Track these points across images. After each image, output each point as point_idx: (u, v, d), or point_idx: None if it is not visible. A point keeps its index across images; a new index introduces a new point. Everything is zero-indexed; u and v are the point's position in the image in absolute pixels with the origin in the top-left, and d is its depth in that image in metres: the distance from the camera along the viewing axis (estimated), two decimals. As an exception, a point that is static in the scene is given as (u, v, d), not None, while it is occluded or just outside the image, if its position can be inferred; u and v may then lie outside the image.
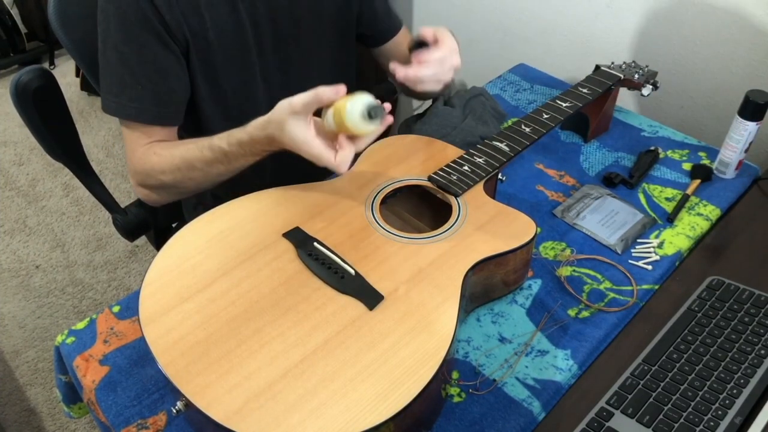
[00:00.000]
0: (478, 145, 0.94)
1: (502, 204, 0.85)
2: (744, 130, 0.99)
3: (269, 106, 0.81)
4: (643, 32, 1.31)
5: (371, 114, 0.74)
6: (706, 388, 0.71)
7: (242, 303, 0.71)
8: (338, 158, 0.78)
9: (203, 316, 0.69)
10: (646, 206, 1.01)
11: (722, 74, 1.23)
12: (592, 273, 0.90)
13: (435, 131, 1.10)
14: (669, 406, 0.69)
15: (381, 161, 0.93)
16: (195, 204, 1.19)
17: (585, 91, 1.06)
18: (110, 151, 2.50)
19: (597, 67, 1.14)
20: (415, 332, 0.67)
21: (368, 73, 1.66)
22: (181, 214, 1.26)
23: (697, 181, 1.03)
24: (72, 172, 1.19)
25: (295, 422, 0.59)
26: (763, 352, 0.73)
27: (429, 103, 1.23)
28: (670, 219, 0.98)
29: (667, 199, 1.02)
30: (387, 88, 1.40)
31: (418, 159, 0.93)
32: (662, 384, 0.72)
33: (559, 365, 0.78)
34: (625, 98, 1.34)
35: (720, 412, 0.68)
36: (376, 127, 0.77)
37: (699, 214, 0.99)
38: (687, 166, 1.08)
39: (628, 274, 0.89)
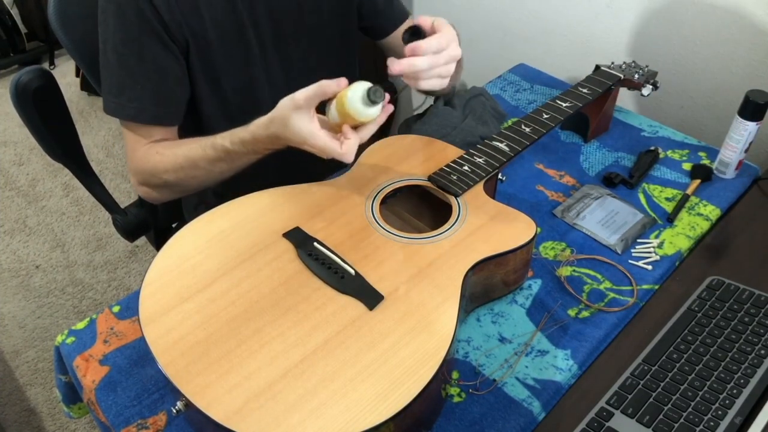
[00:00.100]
0: (478, 145, 0.94)
1: (502, 204, 0.85)
2: (744, 130, 0.99)
3: (271, 105, 0.80)
4: (643, 32, 1.31)
5: (371, 97, 0.74)
6: (706, 388, 0.71)
7: (242, 303, 0.71)
8: (344, 147, 0.77)
9: (203, 316, 0.69)
10: (646, 206, 1.01)
11: (722, 74, 1.23)
12: (592, 273, 0.90)
13: (435, 131, 1.10)
14: (669, 406, 0.69)
15: (381, 161, 0.93)
16: (196, 204, 1.19)
17: (585, 91, 1.06)
18: (110, 151, 2.50)
19: (597, 67, 1.14)
20: (415, 332, 0.67)
21: (369, 73, 1.66)
22: (182, 214, 1.26)
23: (697, 181, 1.03)
24: (72, 172, 1.18)
25: (295, 422, 0.59)
26: (763, 352, 0.73)
27: (429, 103, 1.23)
28: (670, 219, 0.98)
29: (667, 199, 1.02)
30: (387, 88, 1.40)
31: (418, 159, 0.93)
32: (662, 384, 0.72)
33: (559, 365, 0.78)
34: (625, 98, 1.34)
35: (720, 412, 0.68)
36: (378, 112, 0.77)
37: (699, 214, 0.99)
38: (687, 166, 1.08)
39: (628, 274, 0.89)
